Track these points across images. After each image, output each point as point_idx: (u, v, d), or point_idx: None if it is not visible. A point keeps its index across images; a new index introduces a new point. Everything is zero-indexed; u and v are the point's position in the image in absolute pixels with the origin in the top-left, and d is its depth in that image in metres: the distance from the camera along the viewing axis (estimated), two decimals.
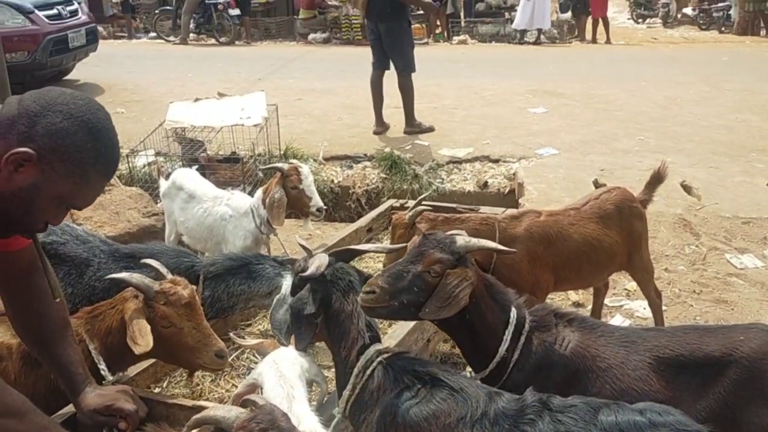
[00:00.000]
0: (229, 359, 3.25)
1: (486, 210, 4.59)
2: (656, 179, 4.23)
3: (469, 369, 2.77)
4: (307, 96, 10.70)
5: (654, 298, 4.19)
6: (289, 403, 2.27)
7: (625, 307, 4.79)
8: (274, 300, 3.09)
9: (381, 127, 8.70)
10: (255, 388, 2.34)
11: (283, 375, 2.34)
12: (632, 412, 1.90)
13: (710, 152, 7.80)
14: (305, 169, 4.29)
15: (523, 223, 3.71)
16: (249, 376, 2.51)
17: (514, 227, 3.67)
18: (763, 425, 2.21)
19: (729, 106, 9.97)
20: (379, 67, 8.36)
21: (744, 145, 8.05)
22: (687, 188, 6.84)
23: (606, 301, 4.55)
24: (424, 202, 3.96)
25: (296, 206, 4.26)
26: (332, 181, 7.55)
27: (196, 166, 5.90)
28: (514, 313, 2.49)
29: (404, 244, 2.75)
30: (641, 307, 4.71)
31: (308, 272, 2.35)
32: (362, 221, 4.62)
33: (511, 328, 2.46)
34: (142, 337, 2.28)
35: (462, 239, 2.42)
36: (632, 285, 5.01)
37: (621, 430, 1.86)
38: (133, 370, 2.68)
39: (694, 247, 5.59)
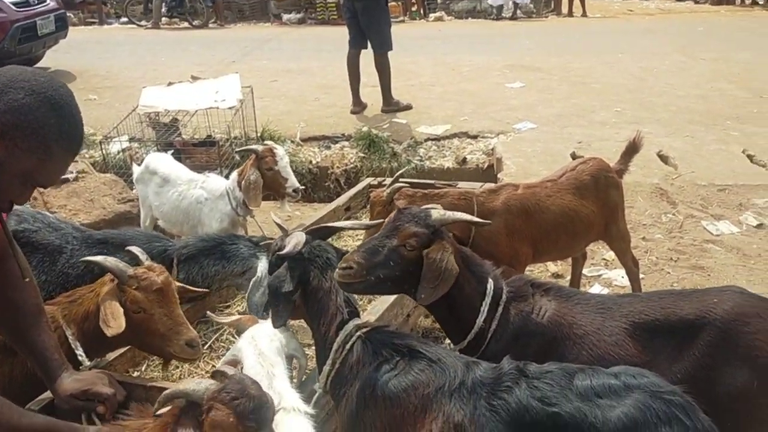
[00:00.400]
0: (211, 340, 3.27)
1: (464, 185, 4.59)
2: (632, 149, 4.25)
3: (448, 341, 2.78)
4: (282, 77, 10.60)
5: (631, 267, 4.24)
6: (270, 380, 2.27)
7: (604, 276, 4.83)
8: (251, 283, 3.08)
9: (358, 106, 8.65)
10: (235, 364, 2.33)
11: (262, 352, 2.34)
12: (607, 375, 1.92)
13: (686, 122, 7.85)
14: (280, 150, 4.26)
15: (500, 196, 3.72)
16: (228, 353, 2.50)
17: (492, 201, 3.67)
18: (736, 385, 2.24)
19: (704, 76, 10.04)
20: (356, 46, 8.29)
21: (719, 113, 8.12)
22: (663, 158, 6.92)
23: (584, 271, 4.59)
24: (401, 179, 3.96)
25: (272, 187, 4.23)
26: (310, 162, 7.51)
27: (171, 151, 5.83)
28: (491, 284, 2.50)
29: (381, 220, 2.74)
30: (619, 276, 4.76)
31: (285, 250, 2.34)
32: (340, 200, 4.61)
33: (488, 299, 2.47)
34: (114, 320, 2.26)
35: (437, 213, 2.42)
36: (610, 255, 5.05)
37: (596, 394, 1.88)
38: (111, 355, 2.67)
39: (671, 216, 5.64)
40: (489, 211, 3.58)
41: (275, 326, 2.33)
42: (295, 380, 2.46)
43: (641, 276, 4.35)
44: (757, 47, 11.82)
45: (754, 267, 4.80)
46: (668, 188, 6.10)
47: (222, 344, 3.21)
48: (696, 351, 2.30)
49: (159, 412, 1.85)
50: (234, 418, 1.74)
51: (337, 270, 2.32)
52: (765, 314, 2.29)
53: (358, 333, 2.28)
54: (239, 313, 3.46)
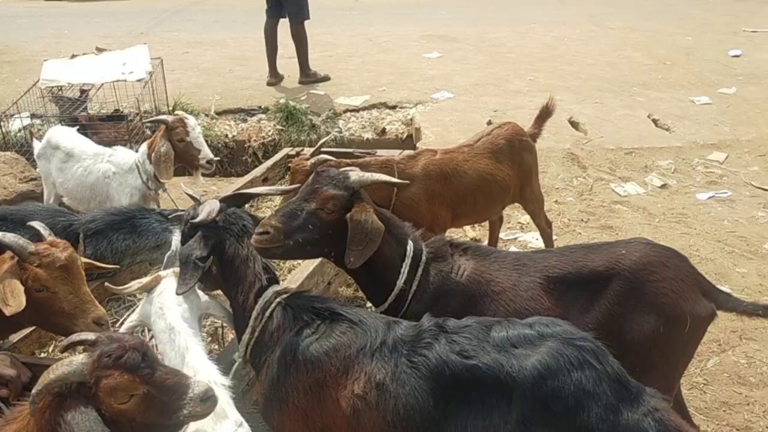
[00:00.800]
0: (123, 318, 3.13)
1: (383, 153, 4.59)
2: (545, 114, 4.36)
3: (369, 305, 2.79)
4: (194, 49, 10.24)
5: (545, 228, 4.37)
6: (182, 355, 2.19)
7: (519, 239, 4.97)
8: (165, 257, 2.97)
9: (275, 77, 8.48)
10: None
11: (172, 327, 2.24)
12: (522, 326, 1.97)
13: (595, 89, 8.12)
14: (191, 120, 4.10)
15: (419, 162, 3.74)
16: (128, 322, 2.40)
17: (411, 167, 3.69)
18: (643, 332, 2.35)
19: (612, 44, 10.38)
20: (273, 15, 8.08)
21: (626, 80, 8.43)
22: (574, 124, 7.14)
23: (501, 234, 4.70)
24: (321, 150, 3.89)
25: (185, 159, 4.07)
26: (226, 135, 7.31)
27: (77, 127, 5.53)
28: (410, 245, 2.51)
29: (297, 185, 2.69)
30: (534, 239, 4.90)
31: (199, 218, 2.27)
32: (257, 171, 4.51)
33: (408, 261, 2.48)
34: (14, 298, 2.12)
35: (355, 174, 2.40)
36: (525, 218, 5.20)
37: (512, 344, 1.92)
38: (15, 337, 2.52)
39: (582, 179, 5.84)
40: (409, 177, 3.59)
41: (178, 292, 2.24)
42: (222, 339, 2.38)
43: (554, 237, 4.50)
44: (662, 17, 12.30)
45: (659, 225, 5.05)
46: (579, 153, 6.31)
47: None
48: (607, 301, 2.40)
49: None
50: (128, 375, 1.68)
51: (253, 235, 2.26)
52: (669, 263, 2.41)
53: (278, 299, 2.25)
54: None
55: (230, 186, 5.04)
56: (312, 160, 3.51)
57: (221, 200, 2.44)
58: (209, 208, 2.30)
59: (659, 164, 6.02)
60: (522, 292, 2.47)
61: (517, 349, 1.91)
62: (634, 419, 1.81)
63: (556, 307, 2.44)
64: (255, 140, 7.34)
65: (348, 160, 3.64)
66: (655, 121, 7.06)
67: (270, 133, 7.40)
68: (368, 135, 7.50)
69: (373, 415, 2.00)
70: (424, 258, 2.53)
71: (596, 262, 2.46)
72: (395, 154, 4.30)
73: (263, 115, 7.65)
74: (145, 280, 2.46)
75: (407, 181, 2.86)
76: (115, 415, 1.69)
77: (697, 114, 7.18)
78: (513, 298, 2.46)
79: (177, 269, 2.36)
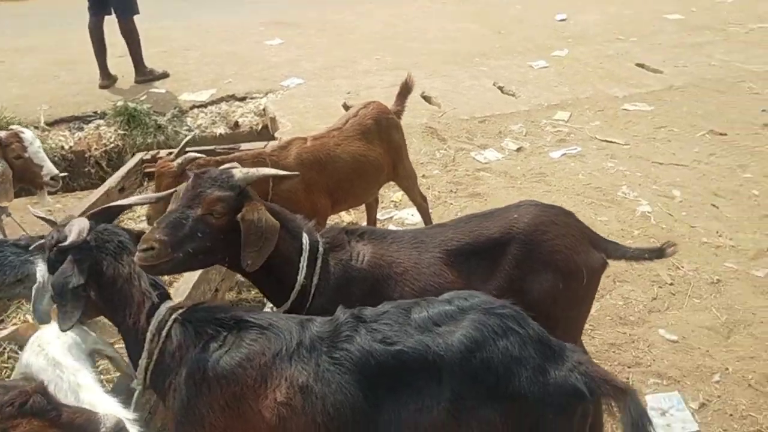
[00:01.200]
0: None
1: (246, 146, 4.40)
2: (405, 90, 4.38)
3: (269, 305, 2.65)
4: (9, 57, 9.24)
5: (420, 202, 4.41)
6: (75, 392, 1.96)
7: (395, 217, 4.99)
8: (33, 291, 2.63)
9: (108, 79, 7.86)
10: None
11: (57, 361, 2.00)
12: (440, 303, 1.95)
13: (441, 62, 8.32)
14: (28, 133, 3.68)
15: (291, 152, 3.61)
16: (14, 373, 2.11)
17: (284, 158, 3.55)
18: (544, 290, 2.41)
19: (449, 18, 10.70)
20: (97, 13, 7.44)
21: (468, 52, 8.72)
22: (427, 98, 7.28)
23: (377, 215, 4.69)
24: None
25: (25, 178, 3.65)
26: (62, 147, 6.65)
27: None
28: (306, 238, 2.40)
29: (173, 190, 2.48)
30: (409, 215, 4.95)
31: (69, 240, 2.01)
32: (111, 181, 4.15)
33: (305, 254, 2.38)
34: None
35: (239, 172, 2.24)
36: (397, 196, 5.24)
37: (434, 323, 1.89)
38: None
39: (444, 151, 5.97)
40: (284, 168, 3.44)
41: (63, 329, 1.99)
42: (113, 373, 2.15)
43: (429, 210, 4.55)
44: None
45: (522, 186, 5.28)
46: (436, 126, 6.44)
47: (5, 365, 2.72)
48: (506, 265, 2.43)
49: None
50: (37, 420, 1.54)
51: (137, 253, 2.05)
52: (559, 220, 2.49)
53: (174, 316, 2.06)
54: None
55: (79, 202, 4.60)
56: (179, 161, 3.26)
57: (89, 217, 2.19)
58: (78, 228, 2.05)
59: (511, 129, 6.30)
60: (424, 269, 2.44)
61: (440, 327, 1.88)
62: (561, 376, 1.84)
63: (459, 279, 2.44)
64: (96, 149, 6.76)
65: (219, 158, 3.43)
66: (500, 89, 7.37)
67: (112, 140, 6.84)
68: (220, 130, 7.18)
69: (301, 420, 1.89)
70: (321, 249, 2.43)
71: (491, 229, 2.49)
72: (261, 146, 4.14)
73: (101, 121, 7.05)
74: (20, 326, 2.17)
75: (297, 173, 2.73)
76: None
77: (537, 78, 7.59)
78: (416, 276, 2.43)
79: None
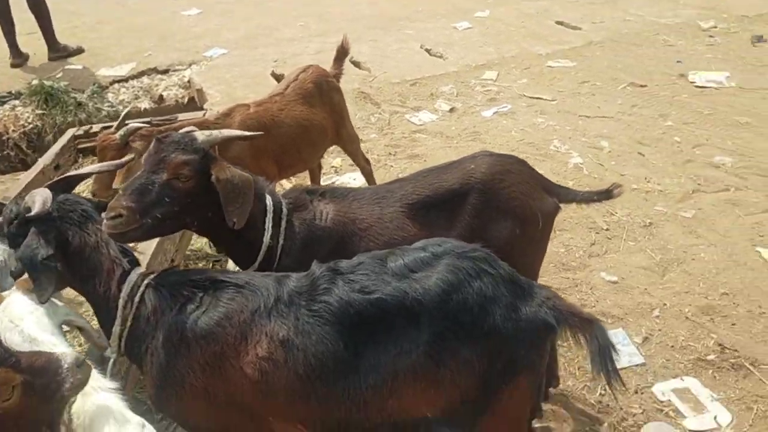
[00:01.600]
0: None
1: (183, 117, 4.30)
2: (341, 53, 4.39)
3: (236, 269, 2.64)
4: None
5: (364, 165, 4.46)
6: None
7: (337, 182, 5.01)
8: None
9: (19, 57, 7.45)
10: None
11: (33, 338, 1.95)
12: (415, 250, 2.00)
13: (365, 27, 8.30)
14: None
15: (235, 119, 3.56)
16: None
17: (229, 125, 3.49)
18: (503, 236, 2.51)
19: None
20: None
21: (392, 16, 8.72)
22: (356, 63, 7.27)
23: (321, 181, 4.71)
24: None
25: None
26: None
27: None
28: (269, 200, 2.41)
29: (131, 156, 2.43)
30: (351, 179, 4.99)
31: (35, 211, 1.95)
32: (45, 159, 3.97)
33: (270, 215, 2.39)
34: None
35: (202, 135, 2.22)
36: (337, 161, 5.27)
37: (410, 270, 1.94)
38: None
39: (378, 115, 6.02)
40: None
41: (42, 301, 1.95)
42: (85, 344, 2.12)
43: None
44: None
45: (458, 146, 5.40)
46: (369, 91, 6.46)
47: None
48: (466, 215, 2.52)
49: None
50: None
51: (104, 221, 2.01)
52: (514, 168, 2.59)
53: (146, 281, 2.04)
54: None
55: (14, 183, 4.40)
56: (121, 132, 3.17)
57: (47, 187, 2.12)
58: (42, 198, 1.99)
59: (443, 90, 6.39)
60: (388, 224, 2.50)
61: (416, 274, 1.94)
62: (532, 311, 1.94)
63: (422, 231, 2.51)
64: (14, 130, 6.42)
65: (161, 128, 3.35)
66: (428, 51, 7.44)
67: (30, 120, 6.52)
68: (144, 105, 6.94)
69: (284, 374, 1.92)
70: (285, 210, 2.45)
71: (450, 181, 2.56)
72: (199, 115, 4.08)
73: (16, 102, 6.71)
74: None
75: (261, 132, 2.71)
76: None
77: (462, 39, 7.70)
78: (380, 231, 2.49)
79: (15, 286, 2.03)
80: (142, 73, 7.38)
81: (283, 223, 2.42)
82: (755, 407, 2.88)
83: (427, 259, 1.97)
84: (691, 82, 6.22)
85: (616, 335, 3.31)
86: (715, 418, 2.84)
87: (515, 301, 1.95)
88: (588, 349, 1.99)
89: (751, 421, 2.81)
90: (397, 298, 1.91)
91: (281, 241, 2.41)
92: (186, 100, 6.98)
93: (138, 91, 7.16)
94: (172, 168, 2.11)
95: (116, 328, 2.02)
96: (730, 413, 2.85)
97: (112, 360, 2.06)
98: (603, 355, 1.95)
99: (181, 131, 2.27)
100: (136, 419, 1.84)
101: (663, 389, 3.00)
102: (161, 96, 7.00)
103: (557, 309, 1.97)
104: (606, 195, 2.68)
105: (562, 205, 2.70)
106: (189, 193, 2.14)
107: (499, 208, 2.52)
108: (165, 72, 7.44)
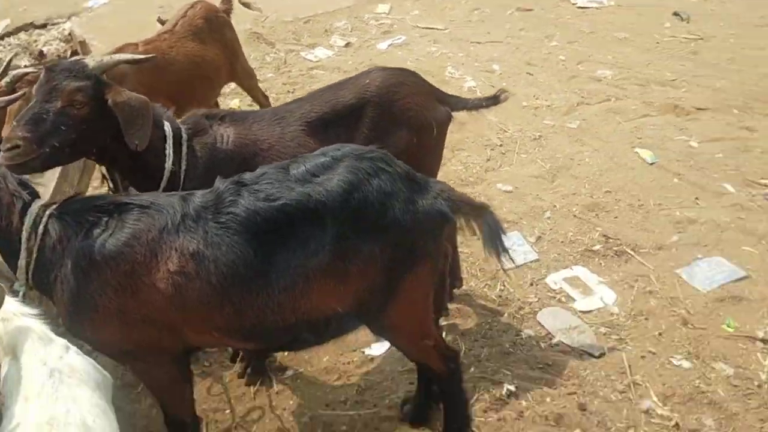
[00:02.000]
0: None
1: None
2: None
3: None
4: None
5: (262, 101, 4.48)
6: None
7: None
8: None
9: None
10: None
11: None
12: (315, 156, 2.10)
13: None
14: None
15: None
16: None
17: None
18: (401, 146, 2.63)
19: None
20: None
21: None
22: (246, 4, 7.04)
23: None
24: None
25: None
26: None
27: None
28: (168, 125, 2.42)
29: (20, 92, 2.37)
30: None
31: None
32: None
33: (170, 141, 2.40)
34: None
35: (92, 61, 2.20)
36: (235, 102, 5.24)
37: (312, 174, 2.04)
38: None
39: (274, 54, 5.98)
40: (120, 75, 3.33)
41: None
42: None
43: None
44: None
45: None
46: (261, 30, 6.38)
47: None
48: (365, 128, 2.63)
49: None
50: None
51: (1, 154, 1.98)
52: (408, 81, 2.71)
53: (48, 211, 2.03)
54: None
55: None
56: (6, 79, 3.04)
57: None
58: None
59: (337, 26, 6.40)
60: (289, 143, 2.57)
61: (318, 177, 2.03)
62: (428, 204, 2.09)
63: (323, 146, 2.59)
64: None
65: None
66: None
67: None
68: (24, 62, 6.57)
69: (197, 285, 1.98)
70: (184, 135, 2.47)
71: (346, 97, 2.65)
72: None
73: None
74: None
75: (153, 55, 2.68)
76: None
77: None
78: (282, 150, 2.56)
79: None
80: (18, 30, 6.97)
81: (184, 148, 2.44)
82: (635, 285, 3.21)
83: (327, 164, 2.07)
84: (573, 4, 6.53)
85: (512, 237, 3.55)
86: (601, 298, 3.15)
87: (412, 195, 2.08)
88: (482, 232, 2.17)
89: (633, 297, 3.14)
90: (301, 203, 2.00)
91: (183, 166, 2.44)
92: (69, 54, 6.64)
93: (16, 48, 6.74)
94: (65, 96, 2.10)
95: (22, 261, 2.02)
96: (615, 293, 3.17)
97: (21, 293, 2.05)
98: (493, 235, 2.14)
99: (72, 59, 2.24)
100: (61, 341, 1.86)
101: (555, 279, 3.28)
102: (41, 52, 6.65)
103: (451, 200, 2.12)
104: (494, 100, 2.85)
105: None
106: (85, 119, 2.14)
107: (395, 119, 2.64)
108: (43, 26, 7.05)
